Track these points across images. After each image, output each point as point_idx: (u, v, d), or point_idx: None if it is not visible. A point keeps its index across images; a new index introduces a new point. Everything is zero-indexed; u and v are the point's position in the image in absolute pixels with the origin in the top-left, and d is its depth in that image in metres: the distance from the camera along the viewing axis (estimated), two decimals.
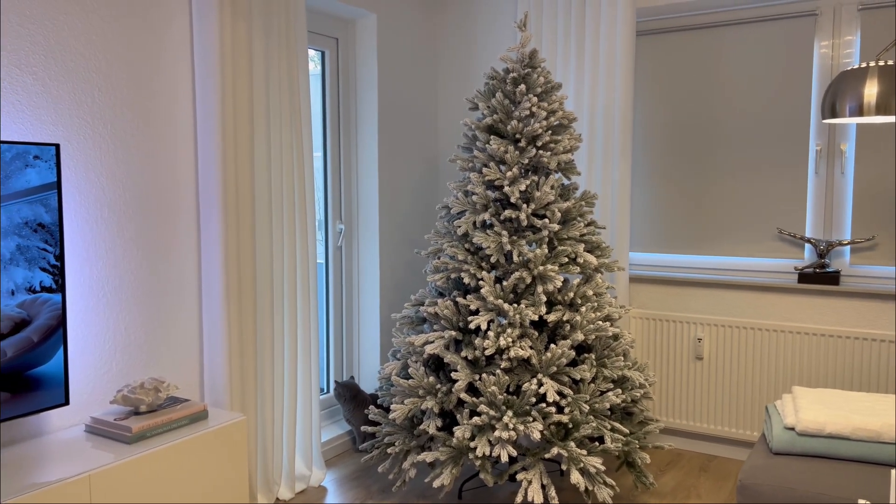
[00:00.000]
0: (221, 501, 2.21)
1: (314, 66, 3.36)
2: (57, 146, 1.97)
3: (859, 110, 2.17)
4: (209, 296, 2.52)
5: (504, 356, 2.46)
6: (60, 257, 2.00)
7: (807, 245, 3.09)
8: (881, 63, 2.17)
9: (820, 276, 2.98)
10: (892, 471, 1.25)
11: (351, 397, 3.20)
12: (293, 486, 2.82)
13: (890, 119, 2.29)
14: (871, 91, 2.15)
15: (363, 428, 2.70)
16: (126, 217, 2.32)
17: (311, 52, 3.32)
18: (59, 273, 1.99)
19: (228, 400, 2.52)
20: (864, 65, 2.20)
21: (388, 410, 3.08)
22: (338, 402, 3.25)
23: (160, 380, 2.19)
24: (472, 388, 2.63)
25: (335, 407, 3.51)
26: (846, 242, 2.95)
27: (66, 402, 2.03)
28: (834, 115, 2.25)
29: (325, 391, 3.49)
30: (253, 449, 2.63)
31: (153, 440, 2.05)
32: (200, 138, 2.49)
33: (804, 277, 3.02)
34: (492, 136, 2.63)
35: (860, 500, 1.32)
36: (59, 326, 1.99)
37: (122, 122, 2.29)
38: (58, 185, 1.98)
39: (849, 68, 2.25)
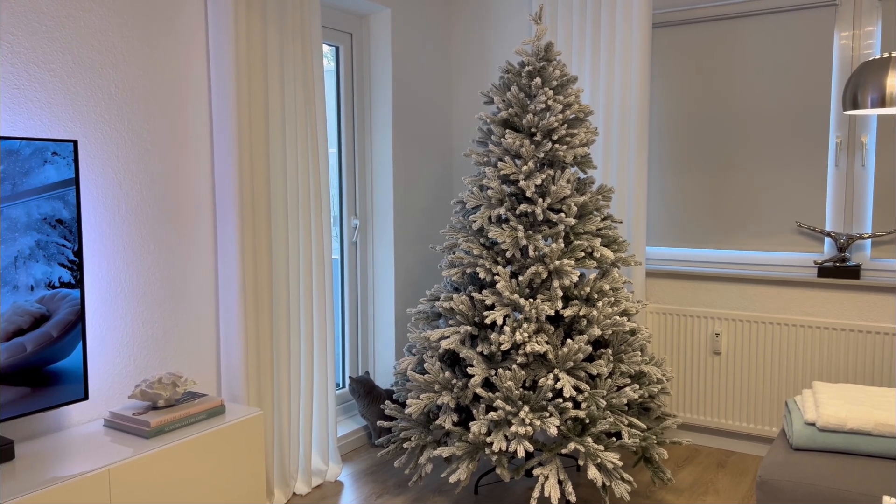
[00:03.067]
0: (239, 495, 2.22)
1: (328, 63, 3.36)
2: (75, 142, 1.98)
3: (881, 101, 2.14)
4: (226, 290, 2.53)
5: (520, 351, 2.45)
6: (79, 253, 2.01)
7: (826, 239, 3.05)
8: None
9: (840, 270, 2.95)
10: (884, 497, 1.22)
11: (365, 392, 3.20)
12: (310, 480, 2.83)
13: None
14: (893, 82, 2.11)
15: (379, 423, 2.70)
16: (143, 213, 2.33)
17: (325, 48, 3.31)
18: (77, 268, 2.01)
19: (245, 394, 2.53)
20: (886, 55, 2.17)
21: (403, 405, 3.08)
22: (352, 398, 3.26)
23: (178, 374, 2.20)
24: (487, 384, 2.63)
25: (350, 402, 3.52)
26: (867, 236, 2.91)
27: (86, 397, 2.04)
28: (856, 107, 2.22)
29: (340, 386, 3.50)
30: (270, 444, 2.64)
31: (171, 435, 2.06)
32: (216, 133, 2.49)
33: (824, 271, 2.98)
34: (507, 130, 2.62)
35: (885, 498, 1.29)
36: (77, 321, 2.01)
37: (138, 118, 2.30)
38: (76, 181, 1.99)
39: (870, 59, 2.21)
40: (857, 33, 2.93)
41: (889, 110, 2.28)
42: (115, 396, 2.28)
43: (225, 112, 2.46)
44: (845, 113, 2.45)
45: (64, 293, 1.98)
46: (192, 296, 2.50)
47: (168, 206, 2.41)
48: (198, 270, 2.52)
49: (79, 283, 2.01)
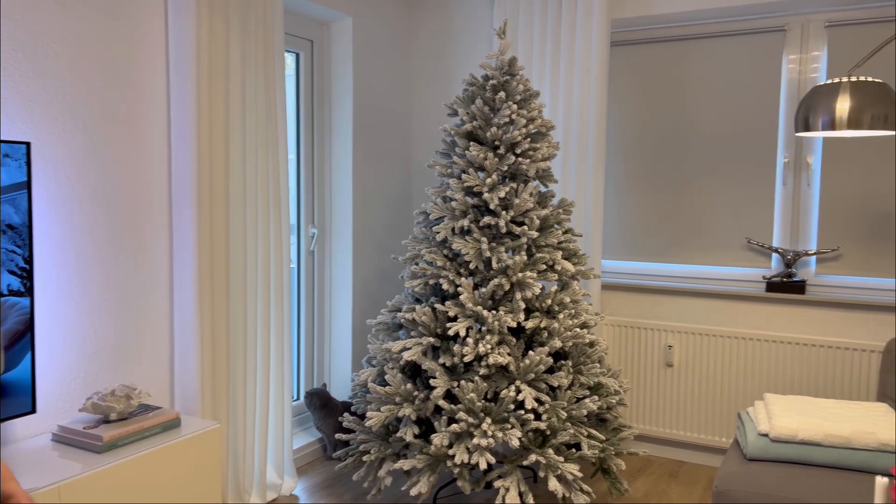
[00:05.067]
0: None
1: (288, 69, 3.31)
2: (27, 144, 1.90)
3: (831, 124, 2.23)
4: (181, 300, 2.46)
5: (482, 363, 2.46)
6: (29, 260, 1.92)
7: (774, 255, 3.16)
8: (853, 79, 2.23)
9: (787, 286, 3.05)
10: (877, 477, 1.27)
11: (321, 405, 3.15)
12: (264, 494, 2.76)
13: (861, 133, 2.35)
14: (843, 106, 2.21)
15: (337, 435, 2.66)
16: (97, 219, 2.25)
17: (286, 55, 3.27)
18: (27, 276, 1.92)
19: (200, 407, 2.46)
20: (836, 80, 2.26)
21: (362, 418, 3.05)
22: (307, 410, 3.21)
23: (131, 387, 2.12)
24: (449, 395, 2.62)
25: (305, 414, 3.46)
26: (812, 252, 3.03)
27: (33, 410, 1.95)
28: (807, 129, 2.31)
29: (296, 398, 3.43)
30: (224, 456, 2.57)
31: (125, 449, 1.99)
32: (174, 138, 2.43)
33: (771, 286, 3.09)
34: (471, 143, 2.63)
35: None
36: (26, 331, 1.92)
37: (93, 120, 2.23)
38: (28, 184, 1.90)
39: (821, 83, 2.31)
40: (804, 57, 3.05)
41: (838, 133, 2.38)
42: (63, 409, 2.18)
43: (184, 117, 2.40)
44: (797, 135, 2.55)
45: (13, 301, 1.89)
46: (146, 305, 2.42)
47: (123, 212, 2.33)
48: (153, 279, 2.44)
49: (29, 291, 1.92)
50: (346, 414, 2.74)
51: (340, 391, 3.49)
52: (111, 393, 2.08)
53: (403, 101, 3.70)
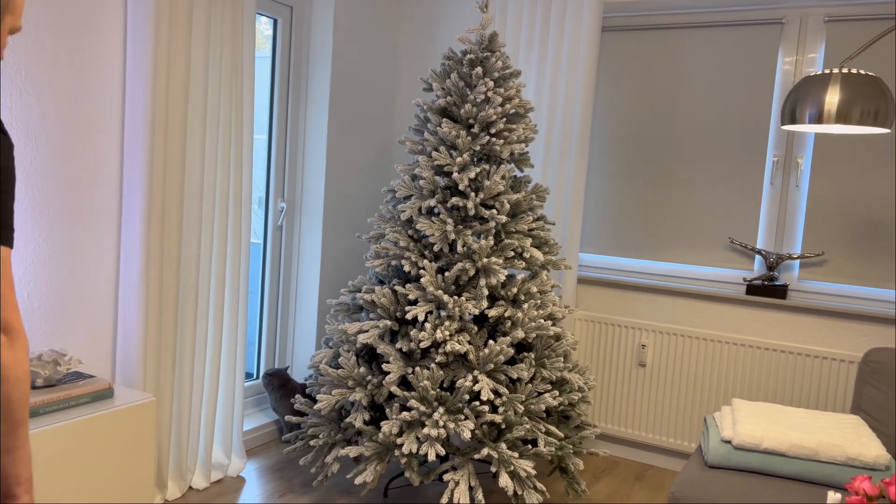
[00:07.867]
0: (123, 486, 2.03)
1: (264, 36, 3.18)
2: None
3: (819, 118, 2.11)
4: (128, 267, 2.34)
5: (440, 350, 2.34)
6: None
7: (757, 256, 3.04)
8: (844, 70, 2.11)
9: (768, 289, 2.93)
10: (829, 492, 1.16)
11: (279, 386, 3.04)
12: (209, 474, 2.65)
13: (849, 129, 2.23)
14: (832, 99, 2.08)
15: (287, 418, 2.55)
16: (38, 174, 2.13)
17: (264, 20, 3.14)
18: None
19: (142, 379, 2.34)
20: (827, 71, 2.14)
21: (316, 400, 2.93)
22: (265, 391, 3.09)
23: (61, 352, 2.01)
24: (405, 382, 2.51)
25: (265, 394, 3.35)
26: (796, 256, 2.91)
27: None
28: (794, 122, 2.19)
29: (254, 378, 3.32)
30: (166, 433, 2.45)
31: (46, 417, 1.87)
32: (129, 97, 2.30)
33: (752, 289, 2.97)
34: (444, 119, 2.50)
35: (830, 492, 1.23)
36: None
37: (39, 72, 2.10)
38: None
39: (811, 74, 2.18)
40: (800, 58, 2.92)
41: (825, 128, 2.26)
42: None
43: (140, 77, 2.27)
44: (783, 128, 2.42)
45: None
46: (89, 270, 2.30)
47: (69, 169, 2.21)
48: (97, 243, 2.32)
49: None
50: (297, 396, 2.63)
51: (303, 373, 3.38)
52: (38, 357, 1.96)
53: (387, 75, 3.56)
